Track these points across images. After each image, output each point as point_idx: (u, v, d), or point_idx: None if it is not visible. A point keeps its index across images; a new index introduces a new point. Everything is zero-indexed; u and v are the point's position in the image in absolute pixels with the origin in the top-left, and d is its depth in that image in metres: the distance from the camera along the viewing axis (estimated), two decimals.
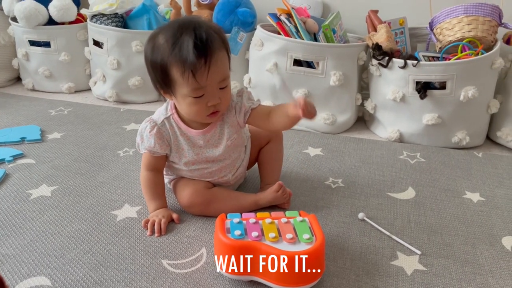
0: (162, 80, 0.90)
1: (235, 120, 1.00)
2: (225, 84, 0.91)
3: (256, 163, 1.17)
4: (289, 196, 1.06)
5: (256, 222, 0.84)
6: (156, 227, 0.96)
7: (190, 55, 0.83)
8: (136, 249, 0.91)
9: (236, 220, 0.85)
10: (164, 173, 1.08)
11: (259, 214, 0.88)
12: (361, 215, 1.03)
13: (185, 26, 0.86)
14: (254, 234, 0.80)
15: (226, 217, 0.87)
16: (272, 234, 0.80)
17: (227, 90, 0.92)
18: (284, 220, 0.85)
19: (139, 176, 1.21)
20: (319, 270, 0.80)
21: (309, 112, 0.84)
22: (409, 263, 0.89)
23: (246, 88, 1.76)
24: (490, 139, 1.56)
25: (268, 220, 0.85)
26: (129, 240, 0.94)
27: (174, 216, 1.00)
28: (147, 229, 0.97)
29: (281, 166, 1.15)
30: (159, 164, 1.03)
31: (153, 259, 0.88)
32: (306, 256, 0.76)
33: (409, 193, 1.17)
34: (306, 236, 0.80)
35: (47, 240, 0.94)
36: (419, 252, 0.92)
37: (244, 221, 0.85)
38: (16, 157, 1.31)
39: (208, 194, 1.02)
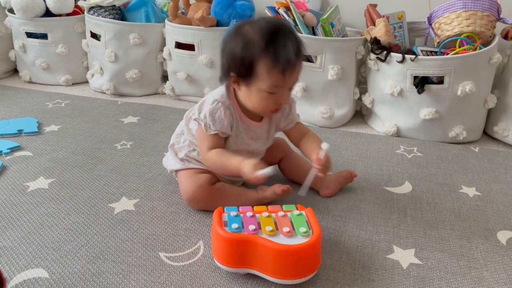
0: (244, 71, 0.93)
1: (278, 122, 1.08)
2: (293, 87, 0.99)
3: None
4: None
5: (253, 216, 0.85)
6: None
7: (288, 54, 0.89)
8: (134, 242, 0.92)
9: (233, 213, 0.85)
10: (179, 159, 1.08)
11: (256, 208, 0.89)
12: (325, 147, 0.94)
13: (281, 27, 0.92)
14: (251, 227, 0.80)
15: (224, 210, 0.88)
16: (269, 228, 0.80)
17: (291, 93, 1.00)
18: (281, 213, 0.86)
19: (136, 169, 1.22)
20: (315, 264, 0.80)
21: (324, 170, 0.93)
22: (404, 257, 0.90)
23: None
24: (487, 134, 1.57)
25: (265, 214, 0.85)
26: (126, 232, 0.95)
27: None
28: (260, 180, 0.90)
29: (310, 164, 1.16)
30: (223, 144, 1.03)
31: (151, 251, 0.89)
32: (303, 249, 0.77)
33: (406, 187, 1.17)
34: (303, 229, 0.80)
35: (45, 232, 0.94)
36: (303, 195, 0.95)
37: (241, 215, 0.85)
38: (13, 150, 1.31)
39: (212, 191, 1.03)
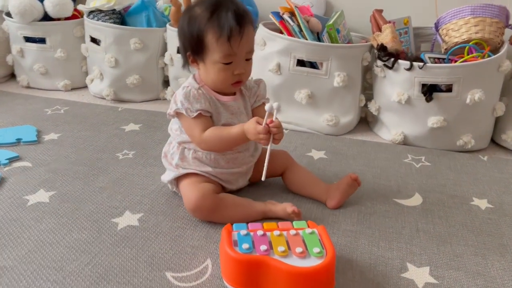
0: (195, 46, 0.98)
1: (249, 99, 1.10)
2: (250, 56, 1.01)
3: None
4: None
5: (264, 234, 0.82)
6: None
7: (230, 21, 0.93)
8: (139, 261, 0.88)
9: (243, 232, 0.82)
10: (173, 166, 1.06)
11: (266, 225, 0.86)
12: (275, 105, 0.90)
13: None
14: (263, 247, 0.77)
15: (232, 228, 0.85)
16: (281, 248, 0.77)
17: (250, 63, 1.01)
18: (292, 232, 0.82)
19: (139, 180, 1.18)
20: (329, 285, 0.77)
21: (278, 134, 0.93)
22: (419, 276, 0.87)
23: None
24: (494, 142, 1.54)
25: (276, 232, 0.82)
26: (131, 250, 0.91)
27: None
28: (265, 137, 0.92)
29: (314, 176, 1.15)
30: (211, 124, 1.02)
31: (157, 271, 0.85)
32: (317, 271, 0.74)
33: (416, 200, 1.14)
34: (317, 250, 0.77)
35: (46, 250, 0.90)
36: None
37: (252, 233, 0.82)
38: (12, 160, 1.27)
39: (217, 199, 1.00)
